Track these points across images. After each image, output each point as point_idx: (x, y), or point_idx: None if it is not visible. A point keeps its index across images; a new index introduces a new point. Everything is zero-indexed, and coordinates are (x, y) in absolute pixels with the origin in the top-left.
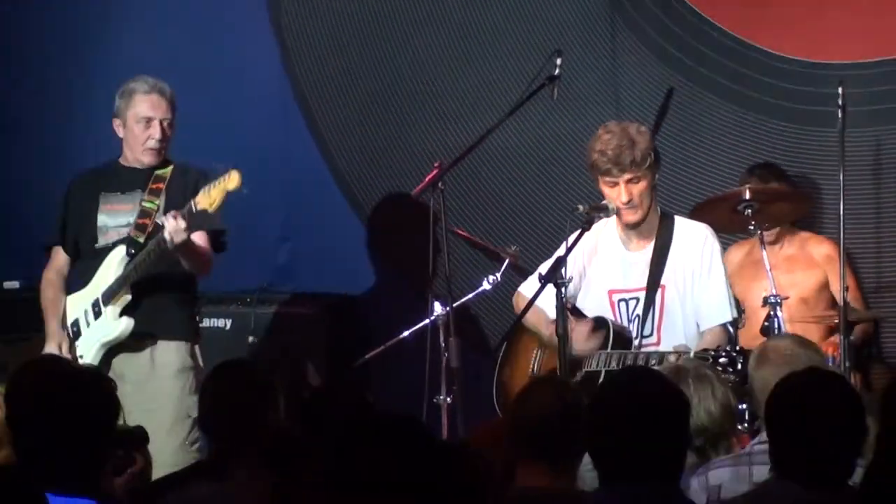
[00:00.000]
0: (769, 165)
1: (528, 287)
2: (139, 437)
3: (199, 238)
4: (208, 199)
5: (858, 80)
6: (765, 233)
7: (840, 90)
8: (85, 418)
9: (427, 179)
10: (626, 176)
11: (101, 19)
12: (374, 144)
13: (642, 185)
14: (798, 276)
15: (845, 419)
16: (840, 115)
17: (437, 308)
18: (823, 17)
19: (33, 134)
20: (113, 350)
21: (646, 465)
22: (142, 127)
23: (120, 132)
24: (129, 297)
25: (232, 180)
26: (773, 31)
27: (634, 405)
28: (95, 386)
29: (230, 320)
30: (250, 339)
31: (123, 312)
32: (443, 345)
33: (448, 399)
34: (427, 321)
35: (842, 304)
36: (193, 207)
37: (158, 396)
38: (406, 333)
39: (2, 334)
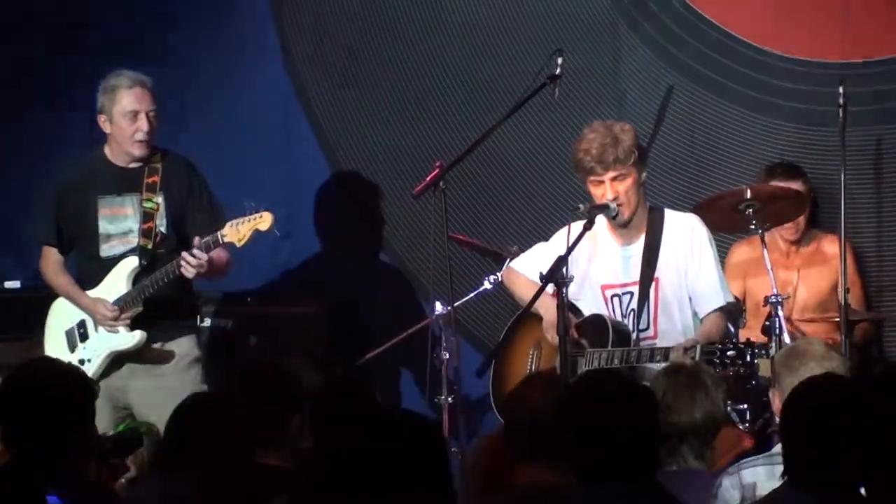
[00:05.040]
0: (792, 165)
1: (520, 263)
2: (132, 442)
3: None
4: (237, 234)
5: (859, 79)
6: (785, 231)
7: (841, 89)
8: (60, 417)
9: (428, 179)
10: (611, 174)
11: (102, 18)
12: (376, 143)
13: (628, 182)
14: (814, 276)
15: (857, 425)
16: (841, 114)
17: (438, 307)
18: (824, 16)
19: (34, 134)
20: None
21: (620, 463)
22: (129, 121)
23: (106, 128)
24: (140, 310)
25: (264, 221)
26: (774, 29)
27: (603, 408)
28: (75, 386)
29: (231, 320)
30: (251, 339)
31: (134, 322)
32: (444, 344)
33: (449, 399)
34: (428, 320)
35: (842, 303)
36: (221, 239)
37: (173, 389)
38: (407, 333)
39: (2, 333)
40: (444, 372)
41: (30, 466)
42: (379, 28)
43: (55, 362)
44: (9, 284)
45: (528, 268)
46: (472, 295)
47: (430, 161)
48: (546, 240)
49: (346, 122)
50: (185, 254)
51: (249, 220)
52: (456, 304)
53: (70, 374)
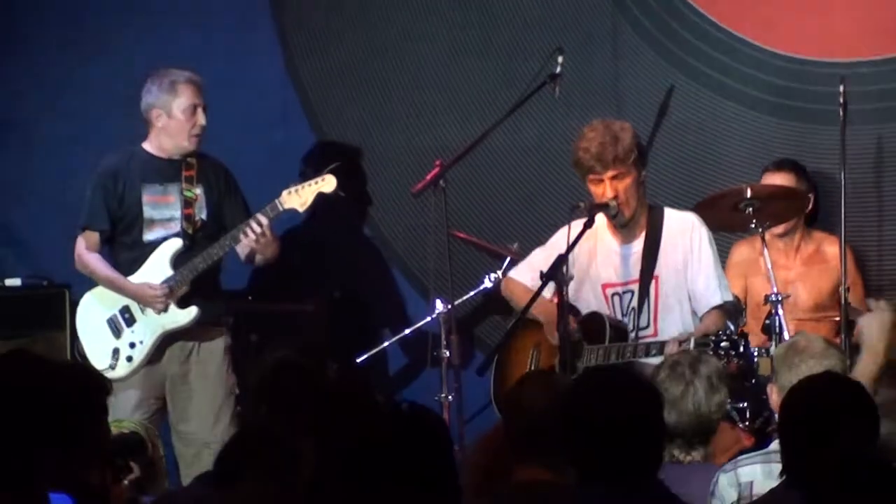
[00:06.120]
0: (783, 159)
1: (518, 272)
2: (135, 443)
3: None
4: (298, 199)
5: (860, 78)
6: (776, 227)
7: (841, 88)
8: (60, 413)
9: (428, 177)
10: (611, 172)
11: (101, 18)
12: (376, 142)
13: (627, 181)
14: (814, 277)
15: (858, 424)
16: (841, 112)
17: (439, 305)
18: (825, 14)
19: (33, 133)
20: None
21: (623, 462)
22: (188, 114)
23: (160, 122)
24: (187, 289)
25: (327, 183)
26: (775, 28)
27: (606, 405)
28: (74, 380)
29: (231, 318)
30: (252, 336)
31: (181, 301)
32: (444, 342)
33: (449, 397)
34: (428, 319)
35: (843, 302)
36: (280, 206)
37: (209, 377)
38: (407, 331)
39: (4, 332)
40: (445, 370)
41: (30, 466)
42: (380, 27)
43: (47, 359)
44: (9, 282)
45: (526, 276)
46: (472, 293)
47: (430, 159)
48: (546, 238)
49: (346, 121)
50: (250, 220)
51: (312, 185)
52: (456, 303)
53: (66, 371)
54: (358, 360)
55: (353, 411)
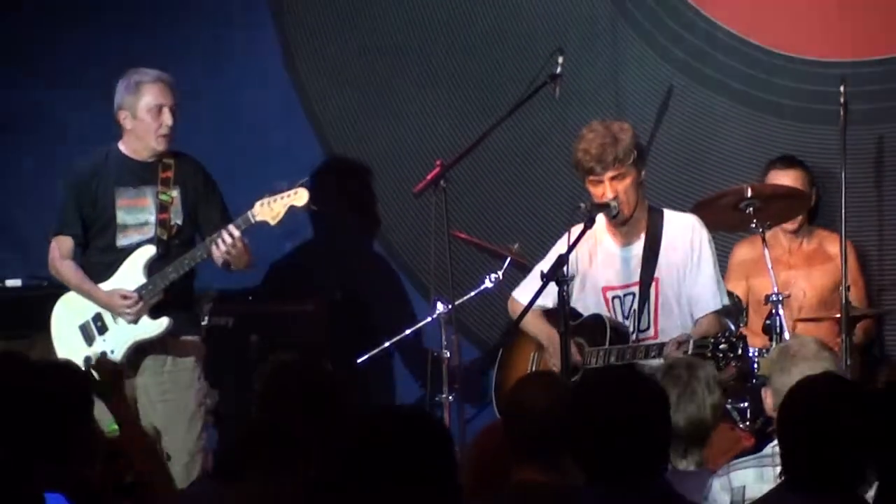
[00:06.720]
0: (790, 156)
1: (523, 292)
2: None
3: None
4: (270, 212)
5: (860, 78)
6: (786, 225)
7: (842, 88)
8: (49, 410)
9: (429, 177)
10: (610, 173)
11: (100, 18)
12: (377, 141)
13: (627, 181)
14: (816, 275)
15: (857, 425)
16: (842, 112)
17: (439, 306)
18: (826, 14)
19: (34, 133)
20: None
21: (624, 462)
22: (154, 115)
23: (128, 124)
24: (160, 297)
25: (299, 197)
26: (775, 28)
27: (612, 405)
28: (60, 378)
29: (232, 318)
30: (252, 337)
31: (153, 311)
32: (444, 343)
33: (450, 397)
34: (429, 319)
35: (843, 301)
36: (252, 218)
37: (181, 389)
38: (408, 331)
39: (4, 332)
40: (445, 370)
41: (29, 466)
42: (379, 27)
43: (36, 360)
44: (10, 283)
45: (530, 295)
46: (472, 294)
47: (431, 159)
48: (546, 237)
49: (346, 121)
50: (222, 230)
51: (283, 198)
52: (457, 303)
53: (56, 371)
54: (358, 361)
55: (353, 411)
